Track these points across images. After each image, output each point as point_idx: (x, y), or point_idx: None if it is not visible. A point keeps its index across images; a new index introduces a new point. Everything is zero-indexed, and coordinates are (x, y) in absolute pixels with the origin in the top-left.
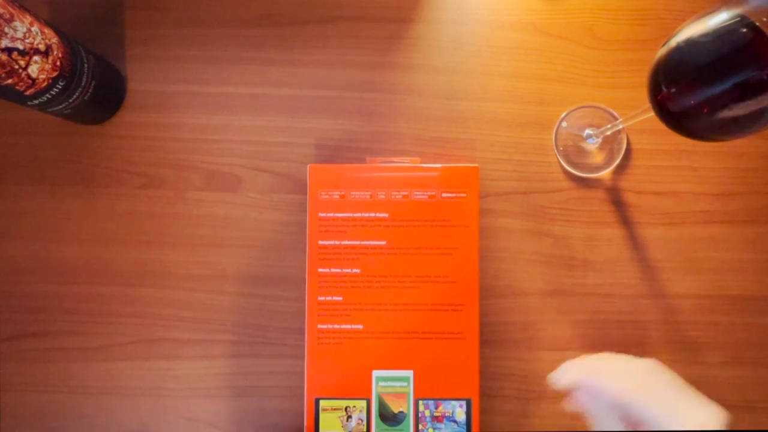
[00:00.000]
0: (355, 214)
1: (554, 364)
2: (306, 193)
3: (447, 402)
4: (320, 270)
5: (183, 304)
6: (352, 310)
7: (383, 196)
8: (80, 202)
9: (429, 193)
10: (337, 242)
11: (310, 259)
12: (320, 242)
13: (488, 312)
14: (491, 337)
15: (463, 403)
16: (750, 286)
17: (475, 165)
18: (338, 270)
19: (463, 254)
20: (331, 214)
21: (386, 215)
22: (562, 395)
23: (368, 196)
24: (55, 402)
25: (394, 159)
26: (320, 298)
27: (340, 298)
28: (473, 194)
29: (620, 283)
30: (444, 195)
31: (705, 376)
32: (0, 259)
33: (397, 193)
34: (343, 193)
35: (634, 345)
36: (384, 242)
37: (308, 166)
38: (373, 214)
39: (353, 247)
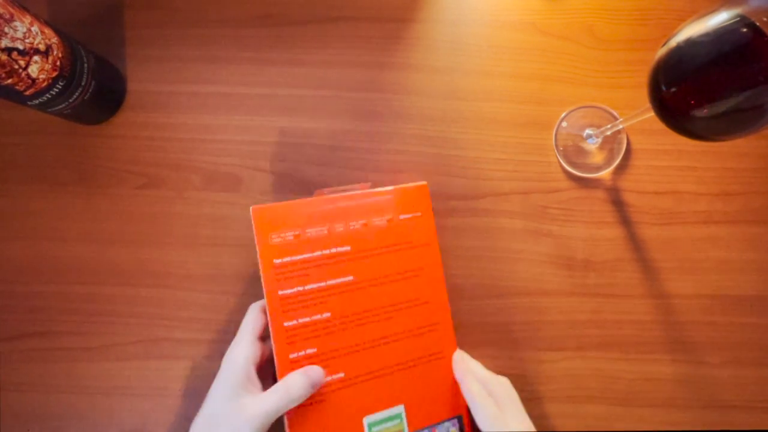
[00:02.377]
0: (315, 253)
1: (554, 364)
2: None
3: (440, 425)
4: (286, 324)
5: (183, 304)
6: (330, 359)
7: (342, 228)
8: (80, 202)
9: (386, 217)
10: (300, 288)
11: (273, 314)
12: (281, 292)
13: (488, 312)
14: (491, 337)
15: (455, 420)
16: (750, 286)
17: (423, 183)
18: (307, 319)
19: (429, 273)
20: (288, 258)
21: (348, 248)
22: (562, 395)
23: (326, 231)
24: (56, 402)
25: (343, 187)
26: (292, 356)
27: (314, 350)
28: (427, 211)
29: (620, 283)
30: (401, 217)
31: (705, 376)
32: (0, 259)
33: (355, 222)
34: (297, 232)
35: (634, 345)
36: (351, 277)
37: (251, 208)
38: (334, 250)
39: (319, 290)
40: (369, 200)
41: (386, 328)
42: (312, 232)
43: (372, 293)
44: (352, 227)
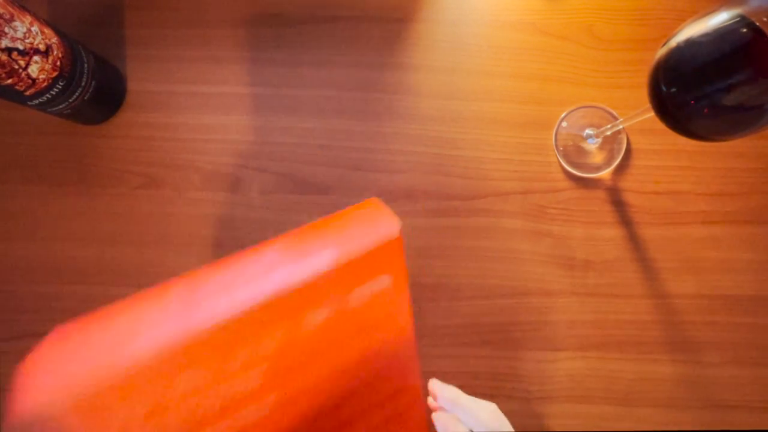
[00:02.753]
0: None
1: (554, 364)
2: None
3: None
4: None
5: None
6: None
7: (246, 356)
8: (80, 202)
9: (328, 308)
10: None
11: None
12: None
13: (488, 312)
14: (491, 337)
15: None
16: (750, 286)
17: (395, 231)
18: None
19: (398, 362)
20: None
21: (263, 367)
22: (562, 395)
23: (208, 377)
24: None
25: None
26: None
27: None
28: (399, 275)
29: (620, 283)
30: (355, 294)
31: (705, 376)
32: (0, 259)
33: (269, 338)
34: (153, 404)
35: (634, 345)
36: (272, 396)
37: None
38: (236, 389)
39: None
40: (291, 288)
41: (335, 418)
42: (182, 384)
43: (309, 402)
44: (264, 347)
